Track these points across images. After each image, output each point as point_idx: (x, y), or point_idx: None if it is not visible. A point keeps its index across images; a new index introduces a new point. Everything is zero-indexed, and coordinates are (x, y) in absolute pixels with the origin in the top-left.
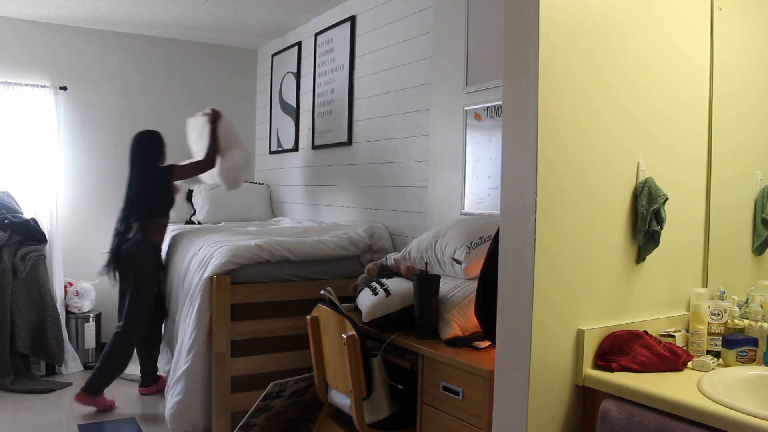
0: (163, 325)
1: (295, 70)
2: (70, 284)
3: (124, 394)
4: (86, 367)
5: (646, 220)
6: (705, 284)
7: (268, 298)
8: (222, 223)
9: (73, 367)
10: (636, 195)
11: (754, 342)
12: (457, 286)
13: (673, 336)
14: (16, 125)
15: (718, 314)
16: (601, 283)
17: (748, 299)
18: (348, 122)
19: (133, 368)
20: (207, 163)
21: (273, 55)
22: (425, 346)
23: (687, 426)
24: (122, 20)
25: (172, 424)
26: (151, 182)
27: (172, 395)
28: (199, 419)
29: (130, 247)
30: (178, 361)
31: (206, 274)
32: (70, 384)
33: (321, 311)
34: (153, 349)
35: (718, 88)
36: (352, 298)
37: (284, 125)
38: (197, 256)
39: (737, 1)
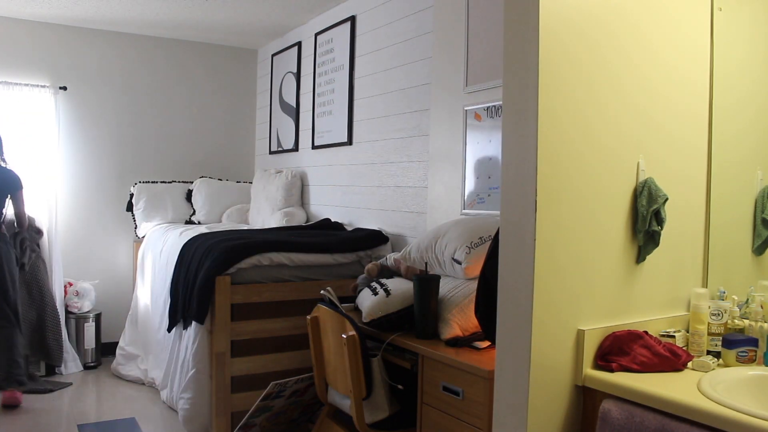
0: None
1: (295, 70)
2: (70, 284)
3: (124, 394)
4: (86, 367)
5: (646, 220)
6: (705, 284)
7: (268, 298)
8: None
9: (72, 367)
10: (636, 195)
11: (754, 342)
12: (457, 286)
13: (673, 336)
14: (16, 125)
15: (718, 314)
16: (601, 283)
17: (748, 299)
18: (348, 122)
19: (131, 368)
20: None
21: (273, 55)
22: (425, 346)
23: (687, 426)
24: (122, 20)
25: (187, 427)
26: None
27: (183, 398)
28: (209, 420)
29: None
30: (181, 363)
31: None
32: (70, 384)
33: (321, 311)
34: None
35: (718, 88)
36: (352, 298)
37: (284, 125)
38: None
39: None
